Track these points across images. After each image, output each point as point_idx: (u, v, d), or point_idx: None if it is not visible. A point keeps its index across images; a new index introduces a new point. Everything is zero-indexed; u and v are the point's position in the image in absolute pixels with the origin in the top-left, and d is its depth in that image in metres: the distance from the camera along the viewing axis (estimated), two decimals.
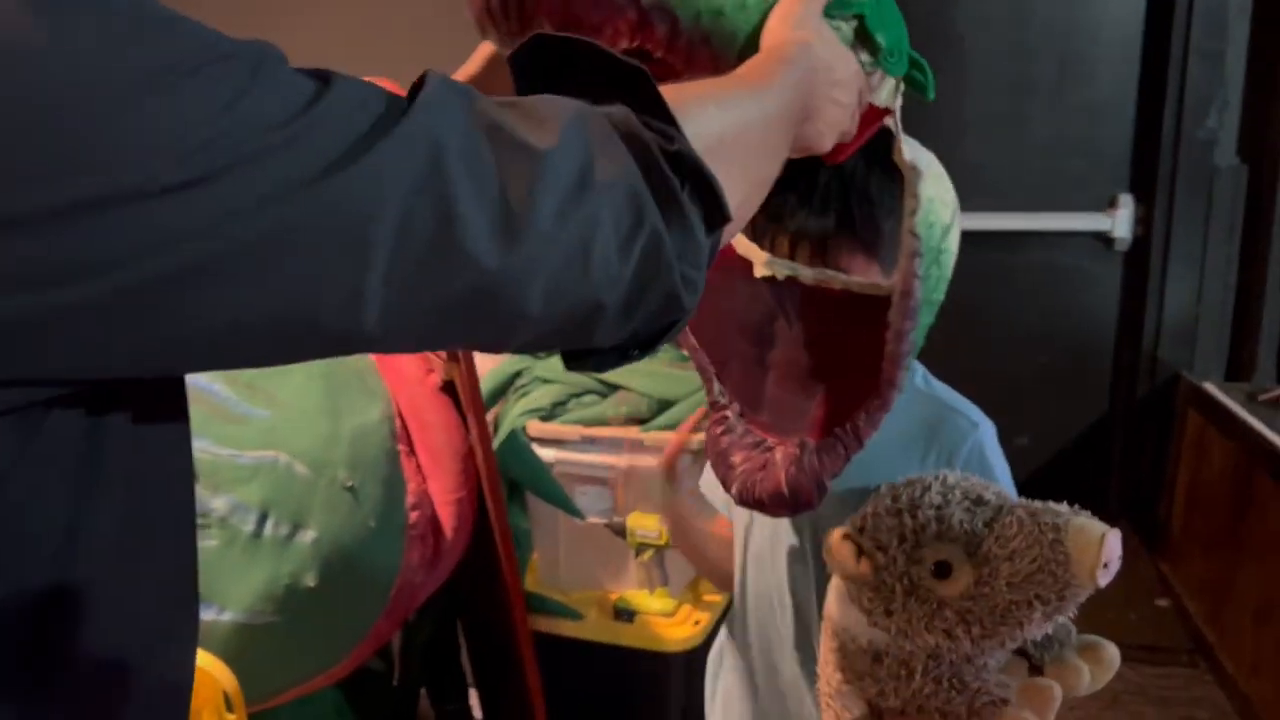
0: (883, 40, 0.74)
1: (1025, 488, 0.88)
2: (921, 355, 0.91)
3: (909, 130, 0.83)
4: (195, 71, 0.38)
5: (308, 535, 1.36)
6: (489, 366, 1.99)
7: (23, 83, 0.35)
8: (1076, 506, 0.77)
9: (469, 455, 1.55)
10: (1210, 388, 2.54)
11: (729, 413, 0.92)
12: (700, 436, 1.01)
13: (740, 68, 0.66)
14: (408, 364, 1.57)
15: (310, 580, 1.35)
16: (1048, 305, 2.91)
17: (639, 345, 0.55)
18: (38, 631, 0.44)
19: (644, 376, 1.85)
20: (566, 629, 1.79)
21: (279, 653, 1.39)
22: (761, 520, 1.06)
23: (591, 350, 0.54)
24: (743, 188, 0.58)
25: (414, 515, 1.49)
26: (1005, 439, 1.03)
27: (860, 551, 0.80)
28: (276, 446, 1.38)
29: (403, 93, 0.46)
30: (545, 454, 1.81)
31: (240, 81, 0.39)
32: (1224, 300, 2.75)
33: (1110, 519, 0.75)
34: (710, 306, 0.91)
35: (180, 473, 0.52)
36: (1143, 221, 2.78)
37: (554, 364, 1.95)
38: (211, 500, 1.32)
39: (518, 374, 1.98)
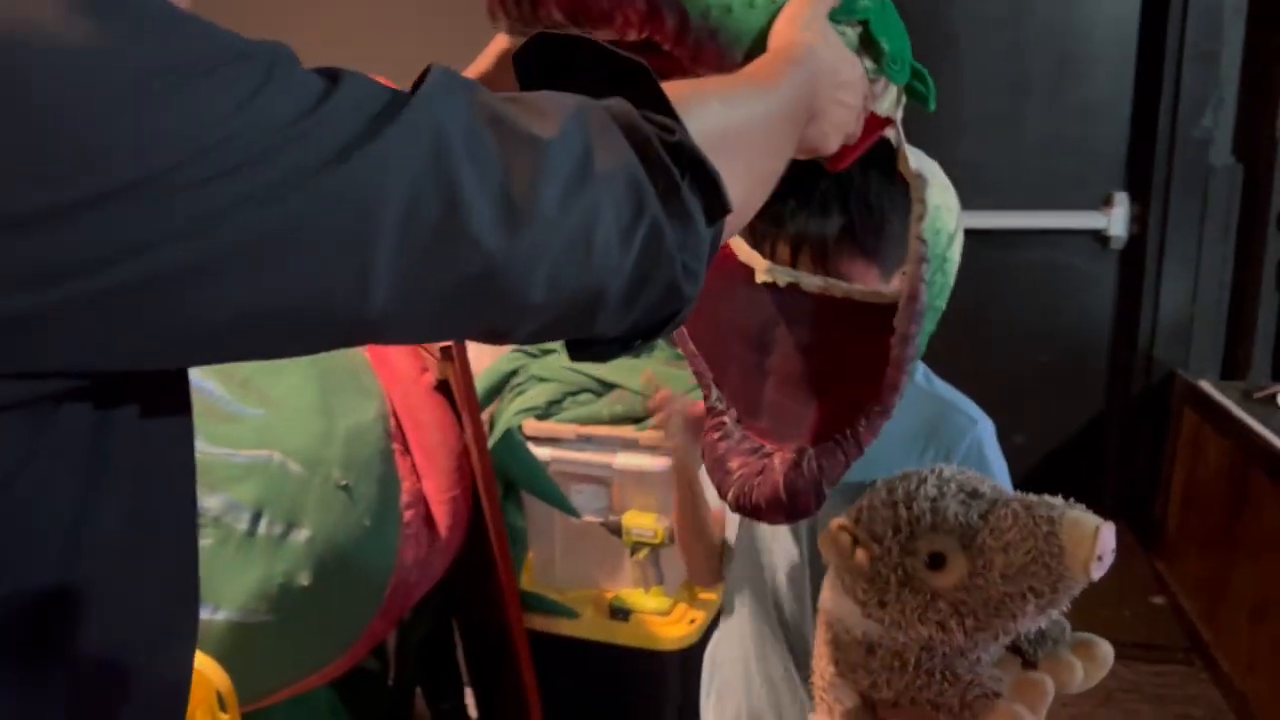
0: (887, 46, 0.74)
1: (1021, 486, 0.88)
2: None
3: (907, 130, 0.83)
4: (210, 72, 0.39)
5: (302, 534, 1.36)
6: (484, 365, 1.99)
7: (41, 80, 0.36)
8: (1072, 500, 0.78)
9: (464, 454, 1.55)
10: (1206, 386, 2.55)
11: (726, 419, 0.92)
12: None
13: (747, 67, 0.67)
14: (402, 362, 1.57)
15: (304, 579, 1.35)
16: (1043, 304, 2.91)
17: (641, 336, 0.55)
18: (39, 628, 0.44)
19: (639, 375, 1.85)
20: (562, 627, 1.79)
21: (273, 652, 1.38)
22: None
23: (594, 340, 0.55)
24: (746, 183, 0.58)
25: (409, 514, 1.49)
26: (1001, 437, 1.03)
27: (855, 542, 0.81)
28: (270, 445, 1.37)
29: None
30: (541, 452, 1.80)
31: (254, 81, 0.40)
32: (1219, 299, 2.76)
33: (1106, 517, 0.75)
34: (710, 312, 0.91)
35: (183, 467, 0.52)
36: (1138, 220, 2.79)
37: (549, 363, 1.95)
38: (205, 499, 1.31)
39: (513, 372, 1.98)
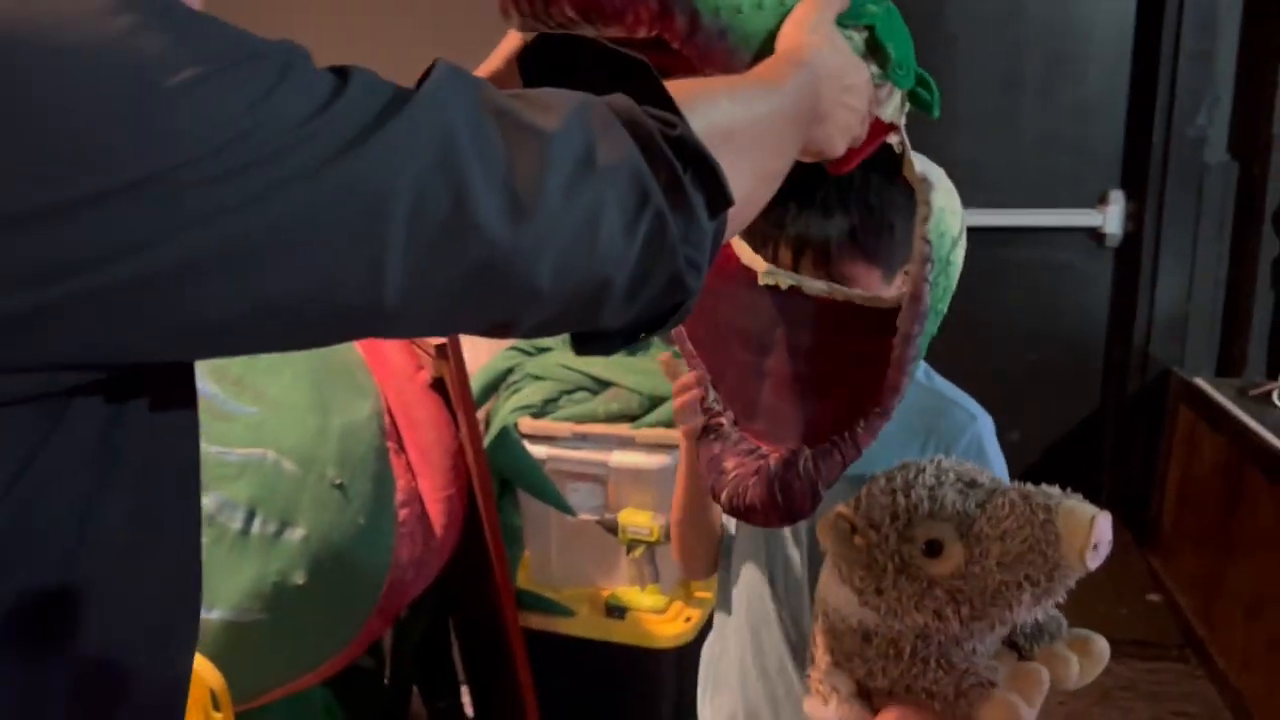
0: (892, 52, 0.75)
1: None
2: None
3: (905, 128, 0.83)
4: (224, 71, 0.40)
5: (296, 533, 1.36)
6: (480, 364, 1.99)
7: (56, 77, 0.37)
8: (1069, 490, 0.78)
9: (459, 452, 1.54)
10: (1201, 383, 2.55)
11: (723, 420, 0.92)
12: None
13: (755, 68, 0.68)
14: (397, 360, 1.56)
15: (299, 578, 1.35)
16: (1039, 301, 2.91)
17: (645, 328, 0.56)
18: (42, 625, 0.44)
19: (635, 373, 1.85)
20: (558, 626, 1.79)
21: (267, 651, 1.38)
22: None
23: (599, 334, 0.55)
24: (749, 180, 0.59)
25: (404, 513, 1.49)
26: (997, 435, 1.03)
27: (853, 529, 0.81)
28: (264, 444, 1.37)
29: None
30: (537, 451, 1.80)
31: (268, 81, 0.40)
32: (1214, 296, 2.76)
33: None
34: (710, 313, 0.92)
35: (189, 464, 0.53)
36: (1134, 218, 2.79)
37: (545, 361, 1.94)
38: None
39: (509, 370, 1.98)
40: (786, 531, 1.04)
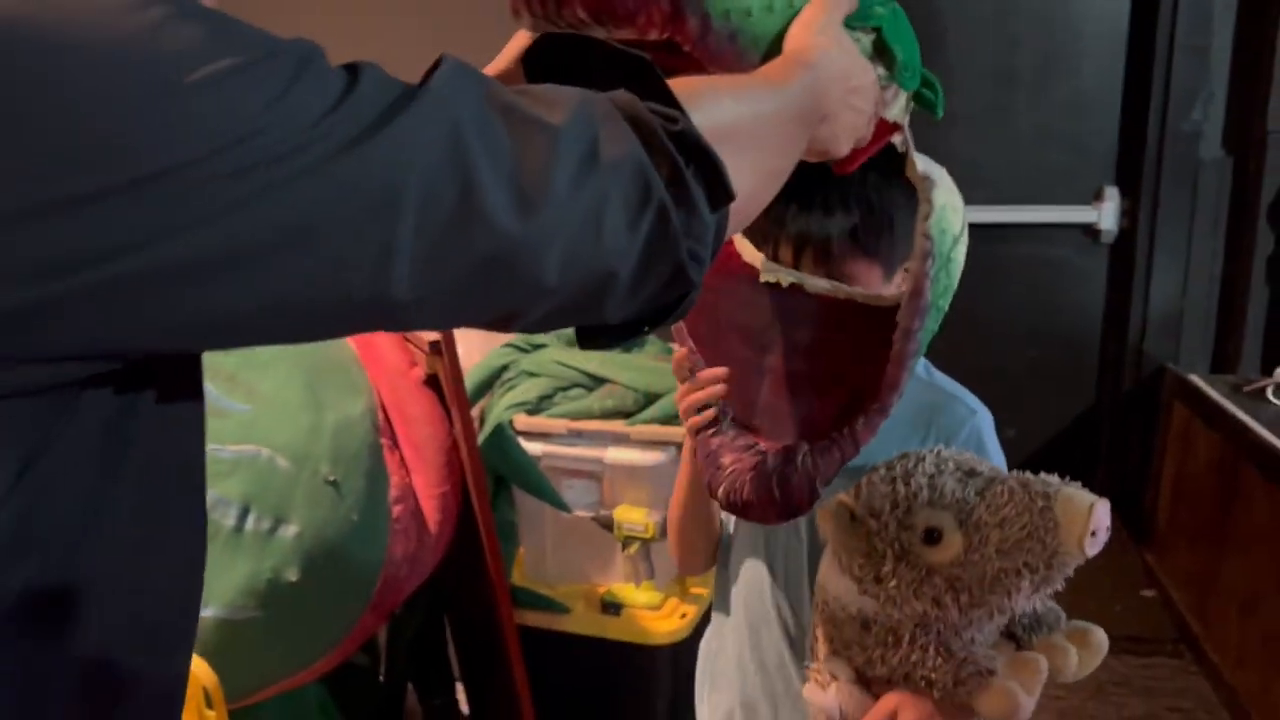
0: (899, 54, 0.76)
1: None
2: None
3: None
4: (242, 69, 0.41)
5: (290, 529, 1.35)
6: (474, 360, 1.98)
7: (78, 72, 0.38)
8: (1068, 478, 0.79)
9: (453, 449, 1.54)
10: (1196, 380, 2.55)
11: (722, 416, 0.92)
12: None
13: (762, 68, 0.69)
14: (390, 357, 1.56)
15: (292, 575, 1.34)
16: (1034, 298, 2.91)
17: (648, 322, 0.57)
18: (45, 620, 0.45)
19: (630, 370, 1.85)
20: (553, 623, 1.78)
21: (261, 648, 1.38)
22: None
23: (603, 327, 0.56)
24: (753, 178, 0.60)
25: (397, 509, 1.48)
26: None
27: (853, 517, 0.82)
28: (257, 440, 1.37)
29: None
30: (532, 448, 1.80)
31: (284, 79, 0.41)
32: (1209, 292, 2.77)
33: None
34: (711, 310, 0.92)
35: (195, 457, 0.54)
36: (1128, 214, 2.79)
37: (540, 358, 1.94)
38: None
39: (504, 367, 1.97)
40: (786, 526, 1.04)
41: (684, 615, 1.77)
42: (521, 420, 1.83)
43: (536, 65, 0.61)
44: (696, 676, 1.20)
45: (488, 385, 1.97)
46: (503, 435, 1.78)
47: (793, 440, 0.89)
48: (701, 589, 1.84)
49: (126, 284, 0.39)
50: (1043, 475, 0.79)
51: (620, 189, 0.50)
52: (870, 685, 0.86)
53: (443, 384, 1.50)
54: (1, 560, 0.43)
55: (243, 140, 0.40)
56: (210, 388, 1.40)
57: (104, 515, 0.46)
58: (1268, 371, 2.43)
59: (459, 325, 0.53)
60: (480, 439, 1.73)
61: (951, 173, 0.89)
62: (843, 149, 0.73)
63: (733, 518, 1.12)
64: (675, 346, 0.97)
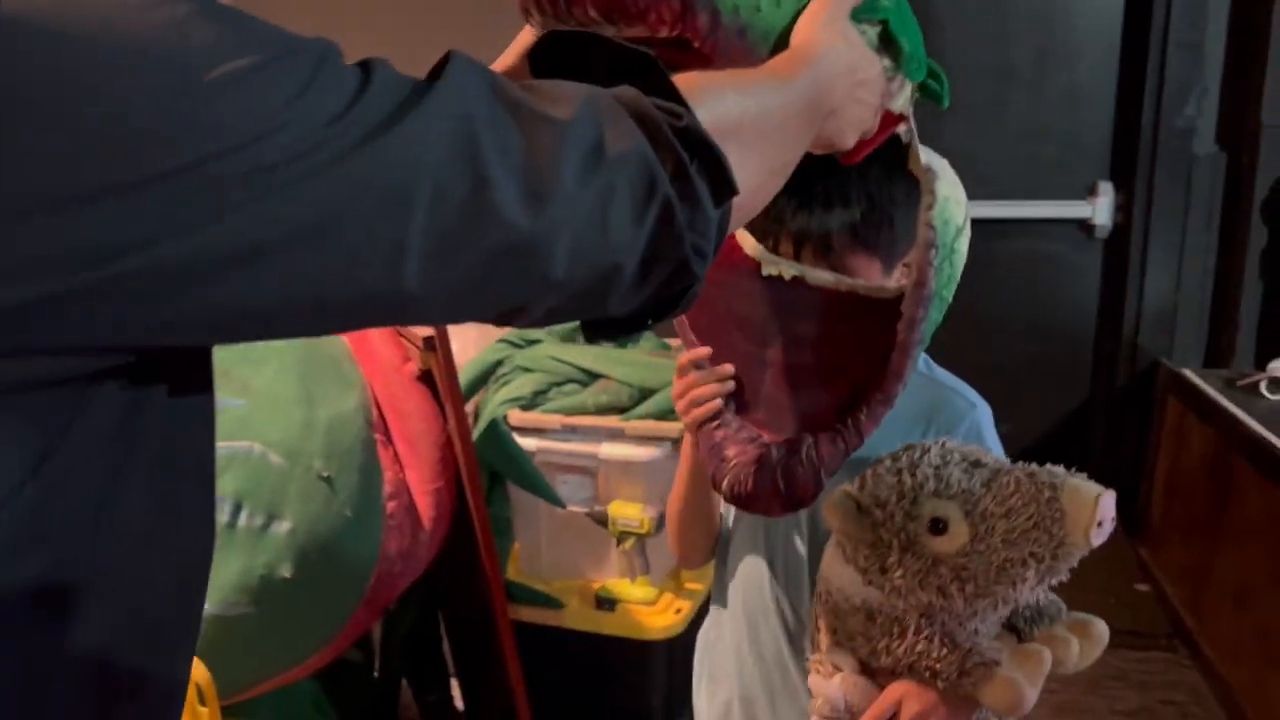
0: (905, 45, 0.77)
1: None
2: None
3: None
4: (263, 67, 0.41)
5: (283, 525, 1.35)
6: (468, 356, 1.98)
7: (101, 68, 0.38)
8: (1074, 469, 0.80)
9: (447, 444, 1.54)
10: (1189, 374, 2.56)
11: (725, 409, 0.92)
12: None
13: (769, 62, 0.70)
14: (384, 352, 1.55)
15: (286, 571, 1.34)
16: (1028, 293, 2.92)
17: (652, 315, 0.57)
18: (52, 616, 0.45)
19: (625, 365, 1.85)
20: (548, 618, 1.78)
21: (254, 644, 1.37)
22: None
23: (608, 320, 0.57)
24: (758, 172, 0.60)
25: (391, 505, 1.48)
26: None
27: (859, 507, 0.82)
28: (250, 436, 1.36)
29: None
30: (526, 443, 1.80)
31: (303, 77, 0.42)
32: (1203, 287, 2.77)
33: None
34: (712, 303, 0.92)
35: (205, 452, 0.54)
36: (1122, 209, 2.79)
37: (534, 353, 1.94)
38: None
39: (498, 363, 1.97)
40: (786, 519, 1.04)
41: (679, 610, 1.77)
42: (516, 415, 1.82)
43: (542, 62, 0.61)
44: (694, 669, 1.20)
45: (482, 380, 1.97)
46: (497, 431, 1.78)
47: (796, 432, 0.89)
48: (696, 584, 1.84)
49: (145, 277, 0.39)
50: (1048, 466, 0.80)
51: (626, 183, 0.50)
52: (874, 676, 0.86)
53: (437, 379, 1.50)
54: (12, 553, 0.43)
55: (261, 138, 0.40)
56: None
57: (115, 509, 0.46)
58: (1261, 366, 2.43)
59: (467, 319, 0.53)
60: (475, 434, 1.73)
61: None
62: (849, 141, 0.74)
63: (732, 511, 1.11)
64: (671, 342, 0.97)
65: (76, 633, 0.46)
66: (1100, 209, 2.81)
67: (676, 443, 1.72)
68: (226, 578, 1.33)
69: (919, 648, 0.81)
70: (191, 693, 1.18)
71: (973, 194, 0.92)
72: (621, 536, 1.71)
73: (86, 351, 0.42)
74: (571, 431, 1.80)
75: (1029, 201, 2.83)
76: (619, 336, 0.59)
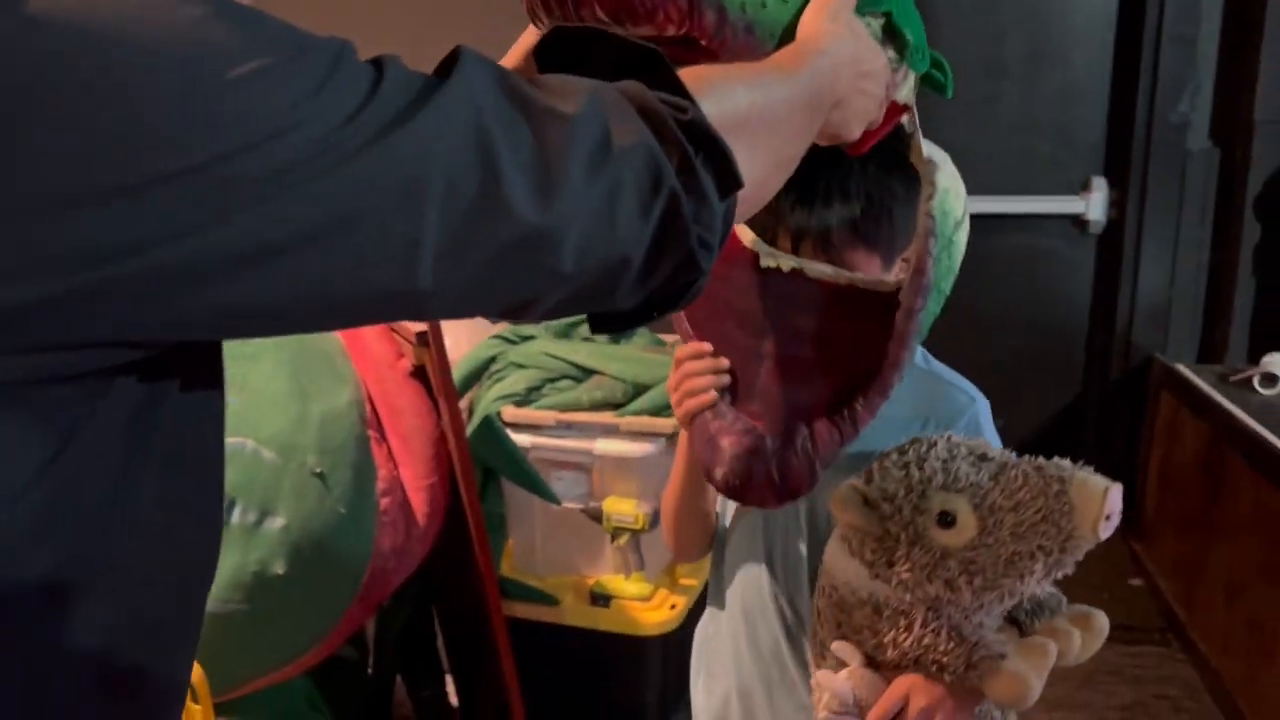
0: (910, 36, 0.77)
1: None
2: None
3: None
4: (282, 65, 0.42)
5: (276, 522, 1.35)
6: (462, 352, 1.97)
7: (123, 66, 0.39)
8: (1081, 462, 0.80)
9: (441, 441, 1.53)
10: (1183, 369, 2.56)
11: (721, 401, 0.92)
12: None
13: (774, 55, 0.70)
14: (377, 348, 1.55)
15: (279, 568, 1.34)
16: (1021, 288, 2.92)
17: (657, 308, 0.58)
18: (60, 612, 0.45)
19: (619, 361, 1.84)
20: (543, 614, 1.78)
21: (247, 641, 1.37)
22: None
23: (615, 314, 0.57)
24: (764, 165, 0.61)
25: (385, 501, 1.47)
26: None
27: (866, 501, 0.83)
28: (243, 432, 1.36)
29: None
30: (521, 439, 1.79)
31: (319, 75, 0.43)
32: (1196, 283, 2.78)
33: None
34: (709, 296, 0.91)
35: (215, 448, 0.54)
36: (1116, 204, 2.79)
37: (529, 349, 1.93)
38: None
39: (492, 359, 1.96)
40: (785, 514, 1.04)
41: (673, 606, 1.77)
42: (510, 412, 1.82)
43: (547, 57, 0.62)
44: (691, 663, 1.20)
45: (476, 377, 1.96)
46: (491, 427, 1.78)
47: (791, 424, 0.89)
48: (691, 580, 1.84)
49: (161, 275, 0.40)
50: (1055, 460, 0.81)
51: (632, 177, 0.51)
52: (879, 670, 0.86)
53: (430, 375, 1.50)
54: (24, 549, 0.43)
55: (276, 137, 0.41)
56: None
57: (125, 506, 0.46)
58: (1254, 361, 2.44)
59: (476, 314, 0.53)
60: (469, 431, 1.73)
61: None
62: (854, 133, 0.74)
63: (730, 505, 1.11)
64: (665, 338, 0.97)
65: (78, 631, 0.46)
66: (1094, 204, 2.81)
67: (671, 438, 1.71)
68: (219, 574, 1.31)
69: (926, 641, 0.81)
70: None
71: (966, 189, 0.92)
72: (616, 532, 1.71)
73: (100, 347, 0.42)
74: (566, 428, 1.80)
75: (1022, 197, 2.84)
76: (625, 329, 0.60)
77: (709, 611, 1.18)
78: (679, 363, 0.96)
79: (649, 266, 0.53)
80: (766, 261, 0.96)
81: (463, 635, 1.83)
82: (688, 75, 0.57)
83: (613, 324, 0.59)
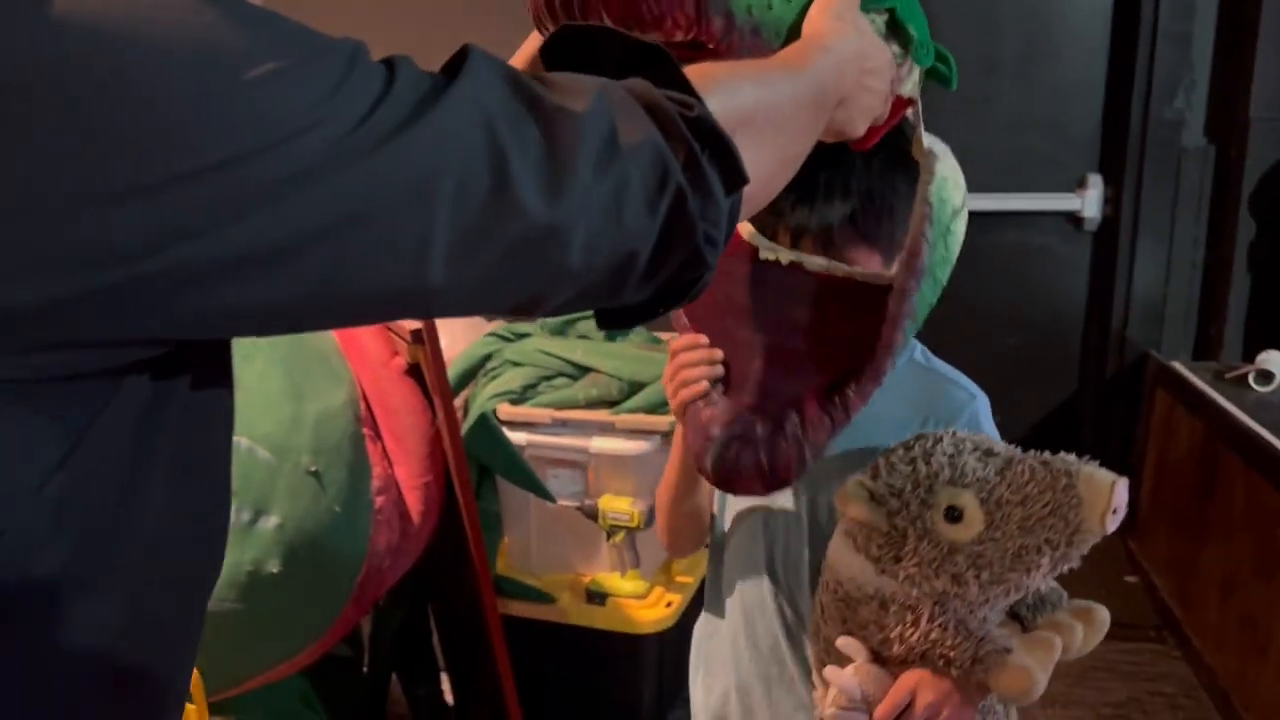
0: (914, 31, 0.78)
1: None
2: None
3: None
4: (298, 66, 0.42)
5: (271, 521, 1.34)
6: (457, 350, 1.97)
7: (141, 66, 0.39)
8: (1087, 457, 0.81)
9: (435, 439, 1.53)
10: (1178, 366, 2.57)
11: (714, 390, 0.92)
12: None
13: (780, 53, 0.70)
14: (372, 347, 1.55)
15: (274, 566, 1.33)
16: (1017, 285, 2.92)
17: (663, 303, 0.58)
18: (65, 610, 0.45)
19: (615, 359, 1.84)
20: (538, 612, 1.78)
21: (242, 641, 1.37)
22: None
23: (622, 309, 0.58)
24: (770, 161, 0.61)
25: (380, 500, 1.47)
26: None
27: (872, 497, 0.83)
28: (239, 431, 1.34)
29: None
30: (516, 437, 1.79)
31: (335, 76, 0.43)
32: (1191, 280, 2.78)
33: None
34: (708, 289, 0.91)
35: (223, 447, 0.54)
36: (1111, 202, 2.80)
37: (524, 347, 1.93)
38: None
39: (487, 357, 1.96)
40: (785, 512, 1.04)
41: (669, 604, 1.77)
42: (505, 410, 1.82)
43: (553, 56, 0.62)
44: (690, 660, 1.20)
45: (471, 375, 1.96)
46: (486, 425, 1.78)
47: (782, 412, 0.89)
48: (687, 577, 1.84)
49: (175, 275, 0.40)
50: (1061, 454, 0.81)
51: (639, 174, 0.51)
52: (886, 665, 0.86)
53: (425, 373, 1.49)
54: (36, 546, 0.43)
55: (295, 137, 0.41)
56: None
57: (135, 504, 0.47)
58: (1249, 358, 2.44)
59: (485, 312, 0.54)
60: (464, 429, 1.72)
61: None
62: (859, 129, 0.75)
63: (729, 509, 1.11)
64: (661, 336, 0.97)
65: (81, 631, 0.46)
66: (1089, 201, 2.81)
67: (667, 436, 1.71)
68: None
69: (933, 635, 0.82)
70: None
71: None
72: (612, 530, 1.71)
73: (112, 346, 0.42)
74: (561, 425, 1.80)
75: (1018, 194, 2.84)
76: (631, 326, 0.60)
77: (708, 605, 1.18)
78: (674, 354, 0.96)
79: (656, 262, 0.54)
80: (765, 254, 0.96)
81: (458, 633, 1.83)
82: (694, 72, 0.57)
83: (619, 320, 0.60)
